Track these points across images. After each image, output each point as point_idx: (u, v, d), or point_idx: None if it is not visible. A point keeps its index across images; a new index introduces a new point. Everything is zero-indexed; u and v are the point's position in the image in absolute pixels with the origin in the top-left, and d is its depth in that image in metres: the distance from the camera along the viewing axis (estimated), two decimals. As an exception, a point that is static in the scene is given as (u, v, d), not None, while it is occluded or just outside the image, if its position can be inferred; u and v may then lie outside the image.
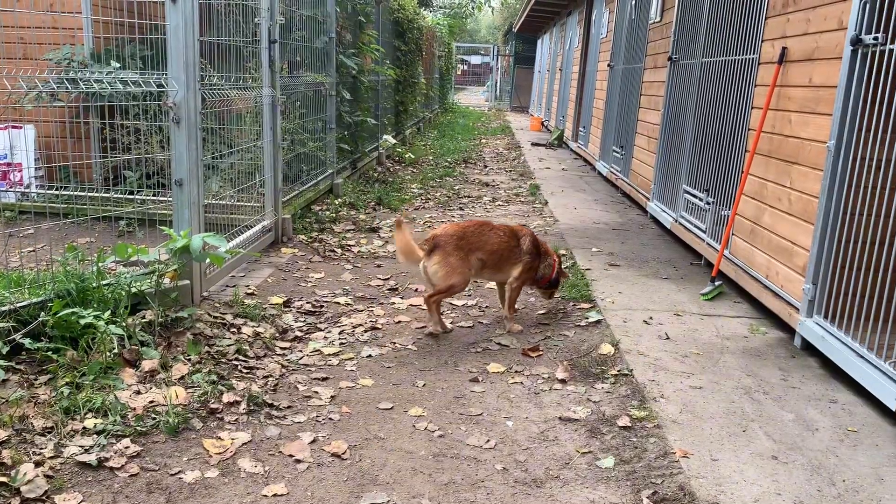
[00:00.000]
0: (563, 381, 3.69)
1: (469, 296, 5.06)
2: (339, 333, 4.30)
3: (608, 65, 11.17)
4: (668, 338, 4.27)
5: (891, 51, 3.58)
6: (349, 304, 4.79)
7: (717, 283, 5.23)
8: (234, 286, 4.88)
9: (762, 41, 5.18)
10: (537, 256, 4.47)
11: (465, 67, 57.88)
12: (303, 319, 4.48)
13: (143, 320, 3.75)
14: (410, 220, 7.43)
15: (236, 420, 3.15)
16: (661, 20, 8.21)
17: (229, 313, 4.29)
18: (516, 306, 4.58)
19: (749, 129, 5.28)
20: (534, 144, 15.92)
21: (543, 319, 4.61)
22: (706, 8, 6.40)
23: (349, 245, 6.26)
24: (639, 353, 4.02)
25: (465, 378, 3.73)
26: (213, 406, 3.19)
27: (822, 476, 2.83)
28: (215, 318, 4.15)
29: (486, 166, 12.11)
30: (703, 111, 6.41)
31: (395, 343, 4.17)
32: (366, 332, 4.34)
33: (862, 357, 3.58)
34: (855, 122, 3.87)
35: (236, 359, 3.73)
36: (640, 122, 8.84)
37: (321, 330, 4.35)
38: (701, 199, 6.18)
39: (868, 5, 3.76)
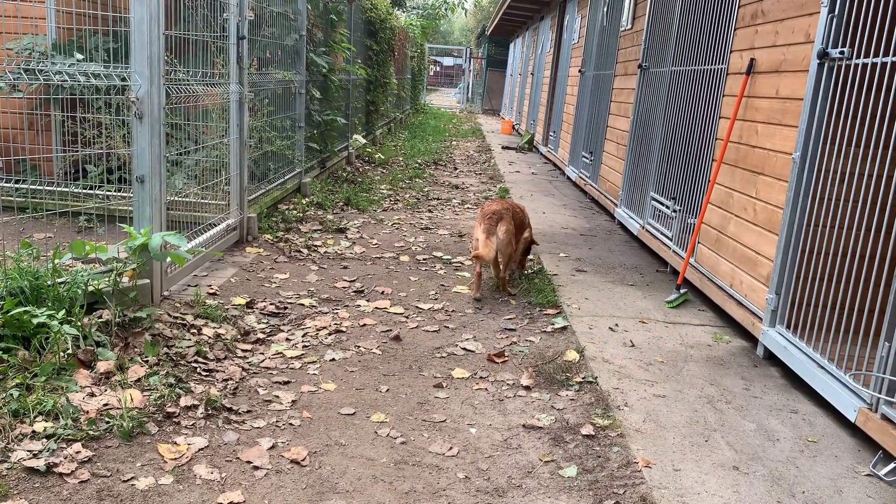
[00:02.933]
0: (527, 388, 3.67)
1: (435, 299, 5.02)
2: (303, 336, 4.23)
3: (579, 70, 11.22)
4: (633, 345, 4.28)
5: (857, 65, 3.62)
6: (314, 306, 4.72)
7: (682, 291, 5.26)
8: (195, 286, 4.79)
9: (731, 52, 5.23)
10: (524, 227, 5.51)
11: (438, 69, 57.85)
12: (266, 321, 4.41)
13: (100, 320, 3.65)
14: (379, 221, 7.37)
15: (193, 424, 3.07)
16: (631, 28, 8.26)
17: (190, 314, 4.20)
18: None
19: (717, 139, 5.33)
20: (504, 148, 15.94)
21: (509, 325, 4.59)
22: (677, 17, 6.45)
23: (315, 245, 6.19)
24: (604, 360, 4.02)
25: (430, 383, 3.69)
26: (169, 410, 3.11)
27: (782, 487, 2.84)
28: (175, 318, 4.06)
29: (456, 168, 12.09)
30: (671, 120, 6.46)
31: (359, 347, 4.11)
32: (330, 335, 4.27)
33: (823, 368, 3.61)
34: (821, 134, 3.91)
35: (196, 361, 3.65)
36: (609, 128, 8.89)
37: (284, 332, 4.28)
38: (668, 207, 6.22)
39: (835, 20, 3.80)
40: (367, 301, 4.89)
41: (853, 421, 3.25)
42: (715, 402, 3.59)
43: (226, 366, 3.69)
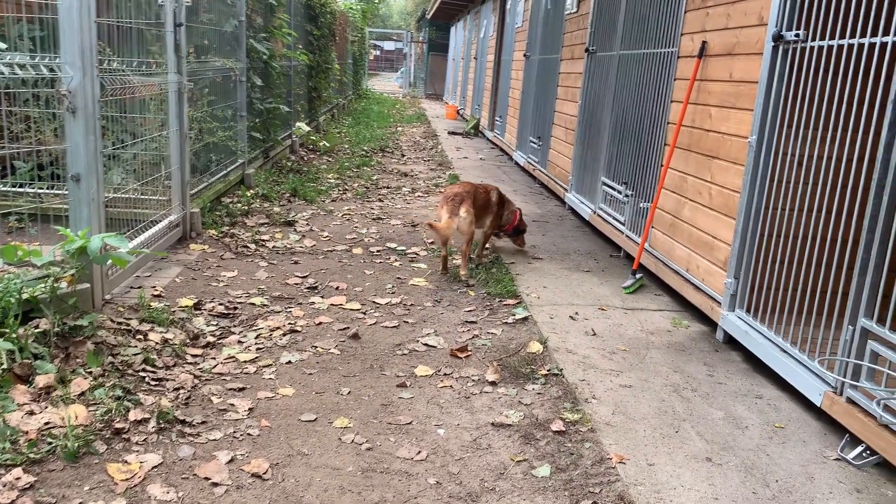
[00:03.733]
0: (493, 384, 3.58)
1: (393, 293, 4.89)
2: (256, 338, 4.05)
3: (524, 55, 11.16)
4: (594, 334, 4.23)
5: (812, 48, 3.61)
6: (265, 306, 4.54)
7: (637, 276, 5.24)
8: (139, 287, 4.55)
9: (681, 35, 5.20)
10: (502, 206, 5.66)
11: (378, 53, 57.29)
12: (215, 323, 4.21)
13: (37, 330, 3.41)
14: (328, 212, 7.18)
15: (145, 440, 2.88)
16: (577, 11, 8.21)
17: (134, 318, 3.99)
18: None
19: (668, 123, 5.31)
20: (450, 133, 15.82)
21: (470, 317, 4.50)
22: (624, 0, 6.41)
23: (263, 240, 5.98)
24: (567, 350, 3.96)
25: (393, 383, 3.57)
26: (118, 425, 2.92)
27: (756, 477, 2.82)
28: (119, 324, 3.84)
29: (403, 155, 11.92)
30: (621, 104, 6.43)
31: (316, 347, 3.96)
32: (284, 335, 4.11)
33: (785, 352, 3.62)
34: (777, 117, 3.90)
35: (143, 369, 3.45)
36: (557, 113, 8.85)
37: (236, 334, 4.09)
38: (620, 192, 6.20)
39: (789, 2, 3.78)
40: (322, 298, 4.73)
41: (819, 405, 3.25)
42: (681, 390, 3.56)
43: (176, 373, 3.50)
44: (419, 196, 8.39)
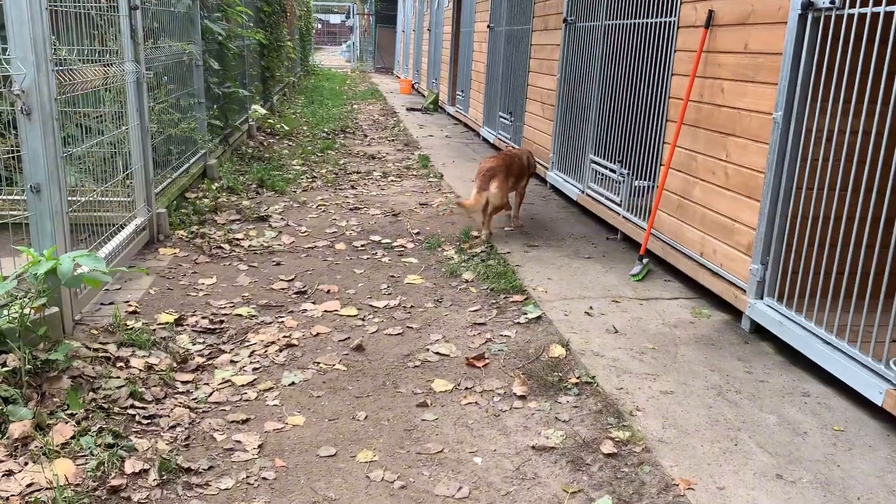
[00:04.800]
0: (522, 398, 3.27)
1: (389, 294, 4.52)
2: (250, 356, 3.66)
3: (488, 26, 10.74)
4: (616, 331, 3.95)
5: (850, 16, 3.33)
6: (254, 316, 4.13)
7: (644, 262, 4.98)
8: (111, 303, 4.11)
9: (681, 3, 4.89)
10: (532, 165, 6.23)
11: (320, 27, 55.97)
12: (202, 340, 3.80)
13: (5, 369, 2.97)
14: (301, 203, 6.74)
15: (147, 498, 2.50)
16: (550, -21, 7.83)
17: (111, 342, 3.56)
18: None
19: (670, 98, 5.01)
20: (409, 109, 15.35)
21: (478, 318, 4.17)
22: (609, -33, 6.06)
23: (237, 239, 5.53)
24: (593, 353, 3.67)
25: (412, 402, 3.23)
26: (114, 482, 2.52)
27: (836, 495, 2.57)
28: (96, 350, 3.41)
29: (366, 136, 11.46)
30: (610, 77, 6.12)
31: (318, 363, 3.59)
32: (280, 351, 3.72)
33: (831, 345, 3.38)
34: (806, 92, 3.63)
35: (131, 406, 3.05)
36: (531, 87, 8.50)
37: (227, 352, 3.69)
38: (614, 171, 5.91)
39: (819, -34, 3.49)
40: (314, 304, 4.34)
41: (880, 405, 3.02)
42: (724, 392, 3.30)
43: (168, 407, 3.10)
44: (392, 181, 7.98)
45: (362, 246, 5.50)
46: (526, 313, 4.19)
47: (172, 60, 6.35)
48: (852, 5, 3.31)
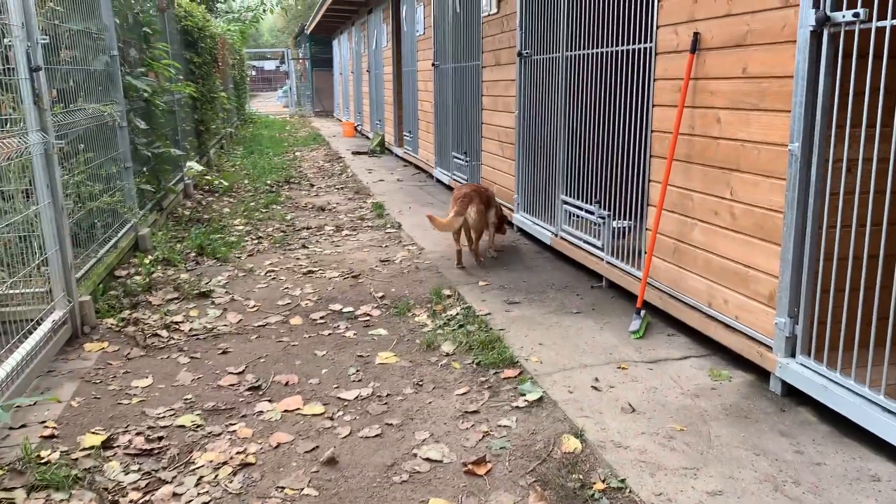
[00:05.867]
0: (541, 517, 2.65)
1: (359, 381, 3.87)
2: (196, 485, 2.95)
3: (433, 64, 10.27)
4: (633, 409, 3.37)
5: (878, 29, 2.87)
6: (199, 426, 3.42)
7: (642, 314, 4.44)
8: (21, 426, 3.36)
9: (657, 27, 4.43)
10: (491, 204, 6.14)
11: (254, 73, 55.35)
12: (136, 467, 3.08)
13: None
14: (247, 271, 6.03)
15: None
16: (498, 12, 7.39)
17: (19, 485, 2.84)
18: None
19: (652, 132, 4.53)
20: (355, 153, 14.76)
21: (468, 404, 3.54)
22: (567, -7, 5.61)
23: (176, 323, 4.80)
24: (614, 444, 3.07)
25: (405, 537, 2.58)
26: None
27: None
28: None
29: (312, 185, 10.80)
30: (577, 112, 5.63)
31: (283, 489, 2.90)
32: (234, 474, 3.02)
33: (893, 413, 2.85)
34: (828, 118, 3.15)
35: (41, 586, 2.32)
36: (487, 125, 8.00)
37: (168, 482, 2.98)
38: (592, 213, 5.39)
39: (832, -26, 3.04)
40: (271, 402, 3.65)
41: (978, 492, 2.49)
42: (781, 485, 2.74)
43: (92, 578, 2.38)
44: (347, 235, 7.34)
45: (321, 319, 4.84)
46: (524, 394, 3.58)
47: (93, 124, 5.65)
48: (881, 17, 2.84)
